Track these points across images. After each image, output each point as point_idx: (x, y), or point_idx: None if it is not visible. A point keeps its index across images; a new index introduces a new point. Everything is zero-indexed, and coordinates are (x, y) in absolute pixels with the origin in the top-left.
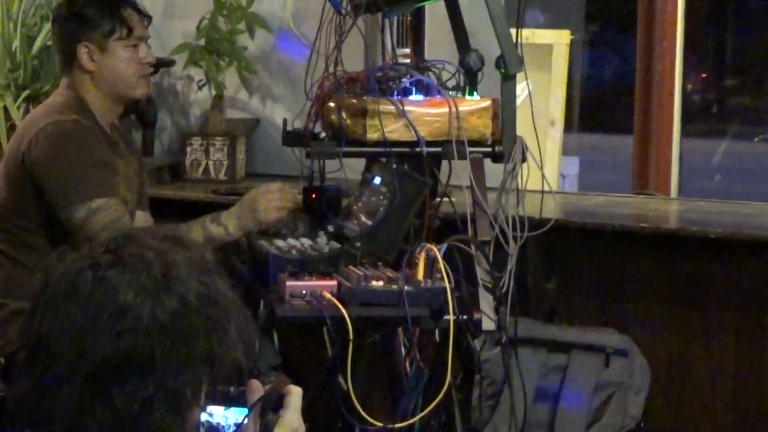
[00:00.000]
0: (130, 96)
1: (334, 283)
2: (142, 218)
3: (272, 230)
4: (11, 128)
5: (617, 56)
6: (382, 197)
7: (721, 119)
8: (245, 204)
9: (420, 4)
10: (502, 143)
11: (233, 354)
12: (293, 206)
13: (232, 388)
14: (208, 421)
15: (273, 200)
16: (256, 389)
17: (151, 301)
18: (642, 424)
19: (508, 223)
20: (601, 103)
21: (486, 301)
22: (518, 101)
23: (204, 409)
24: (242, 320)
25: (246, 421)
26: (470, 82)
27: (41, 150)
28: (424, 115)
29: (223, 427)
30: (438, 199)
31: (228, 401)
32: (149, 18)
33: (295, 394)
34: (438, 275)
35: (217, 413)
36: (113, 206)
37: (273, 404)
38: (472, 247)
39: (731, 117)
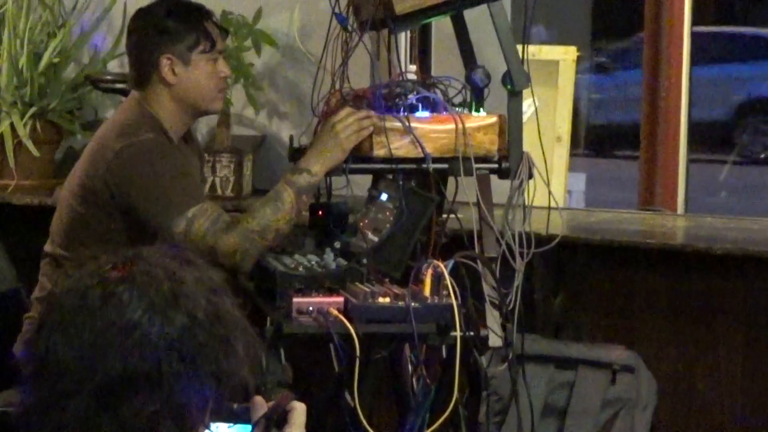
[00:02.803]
0: (208, 110)
1: (340, 299)
2: None
3: (279, 247)
4: (18, 145)
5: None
6: (388, 214)
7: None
8: (323, 140)
9: (426, 21)
10: (509, 159)
11: (240, 372)
12: (372, 124)
13: (236, 405)
14: None
15: (351, 125)
16: (261, 406)
17: (159, 317)
18: None
19: (514, 240)
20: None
21: (493, 318)
22: (524, 117)
23: (209, 426)
24: (249, 339)
25: None
26: (477, 98)
27: (125, 175)
28: (430, 131)
29: None
30: (444, 216)
31: (232, 418)
32: (226, 32)
33: (299, 410)
34: (445, 292)
35: (221, 430)
36: (208, 209)
37: (277, 421)
38: (479, 264)
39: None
